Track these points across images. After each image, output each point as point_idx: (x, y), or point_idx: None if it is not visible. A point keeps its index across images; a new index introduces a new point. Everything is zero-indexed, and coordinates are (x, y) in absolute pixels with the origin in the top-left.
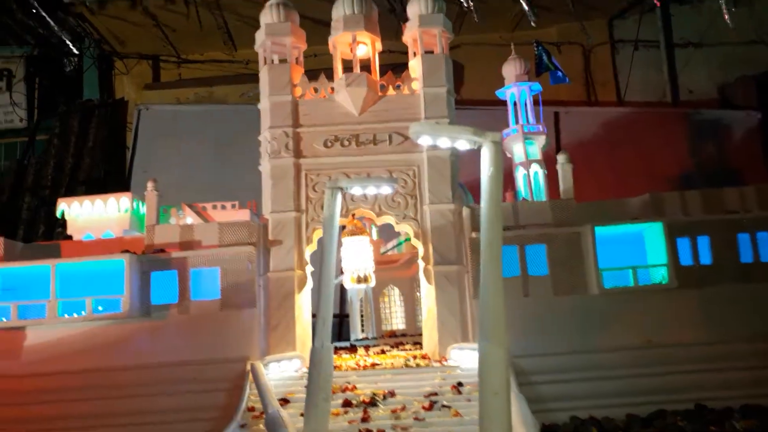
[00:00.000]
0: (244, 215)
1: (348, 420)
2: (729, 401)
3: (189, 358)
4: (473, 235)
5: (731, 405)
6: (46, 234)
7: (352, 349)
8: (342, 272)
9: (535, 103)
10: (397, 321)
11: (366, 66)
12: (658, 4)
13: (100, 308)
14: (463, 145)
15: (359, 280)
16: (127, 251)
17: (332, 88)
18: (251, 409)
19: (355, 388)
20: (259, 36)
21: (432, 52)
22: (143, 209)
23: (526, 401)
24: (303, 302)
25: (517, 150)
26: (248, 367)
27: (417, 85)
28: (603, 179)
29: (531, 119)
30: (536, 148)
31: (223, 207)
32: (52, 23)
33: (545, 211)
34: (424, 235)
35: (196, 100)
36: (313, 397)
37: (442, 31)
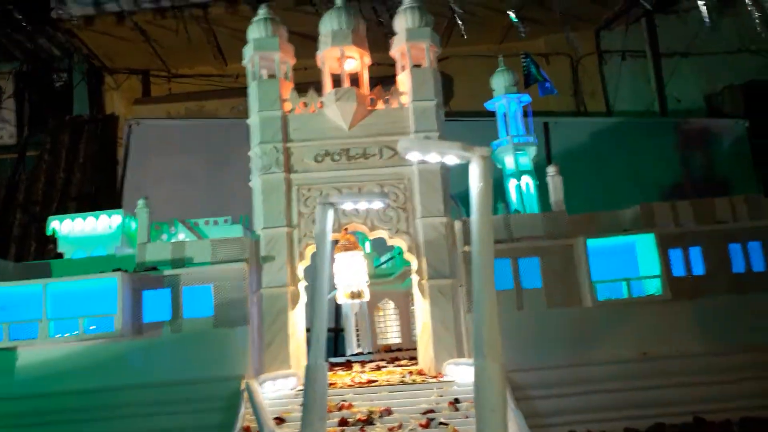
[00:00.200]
0: (236, 231)
1: None
2: (728, 414)
3: (182, 377)
4: (466, 248)
5: (730, 417)
6: (38, 251)
7: (348, 364)
8: (335, 287)
9: (525, 114)
10: (392, 335)
11: (355, 80)
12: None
13: (92, 327)
14: (452, 160)
15: (353, 296)
16: (119, 269)
17: (321, 103)
18: (247, 429)
19: (351, 406)
20: (247, 51)
21: (420, 66)
22: (135, 226)
23: (523, 416)
24: (297, 318)
25: (508, 161)
26: (243, 385)
27: (406, 99)
28: (593, 189)
29: (521, 130)
30: (527, 159)
31: (216, 222)
32: (40, 39)
33: (537, 224)
34: (417, 249)
35: (187, 115)
36: (309, 417)
37: (430, 44)
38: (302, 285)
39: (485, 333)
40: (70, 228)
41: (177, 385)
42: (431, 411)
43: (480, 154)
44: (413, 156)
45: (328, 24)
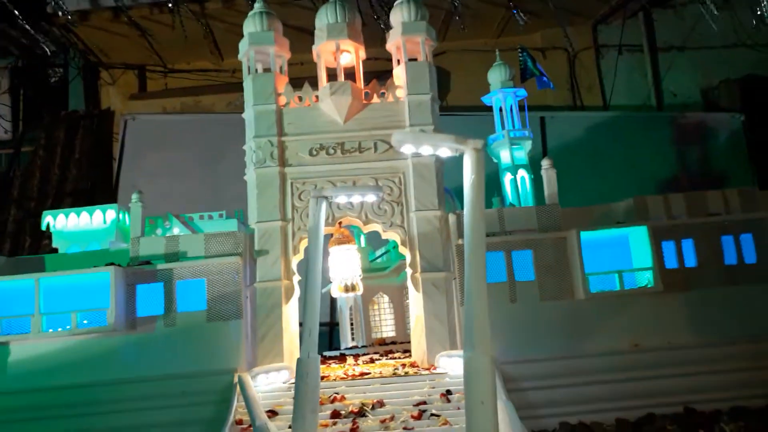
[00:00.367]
0: (231, 225)
1: (337, 431)
2: (717, 404)
3: (176, 371)
4: (460, 241)
5: (720, 407)
6: (32, 246)
7: (342, 358)
8: (330, 281)
9: (521, 108)
10: (386, 329)
11: (350, 74)
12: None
13: (85, 322)
14: (445, 152)
15: (347, 289)
16: (112, 264)
17: (317, 97)
18: (239, 422)
19: (343, 398)
20: (243, 45)
21: (416, 60)
22: (129, 221)
23: (515, 408)
24: (290, 312)
25: (504, 155)
26: (236, 379)
27: (401, 93)
28: (590, 183)
29: (517, 124)
30: (523, 154)
31: (210, 217)
32: (36, 34)
33: (531, 217)
34: (410, 243)
35: (183, 110)
36: (301, 409)
37: (426, 38)
38: (296, 279)
39: (475, 324)
40: (64, 223)
41: (170, 379)
42: (423, 403)
43: (473, 147)
44: (407, 149)
45: (324, 17)
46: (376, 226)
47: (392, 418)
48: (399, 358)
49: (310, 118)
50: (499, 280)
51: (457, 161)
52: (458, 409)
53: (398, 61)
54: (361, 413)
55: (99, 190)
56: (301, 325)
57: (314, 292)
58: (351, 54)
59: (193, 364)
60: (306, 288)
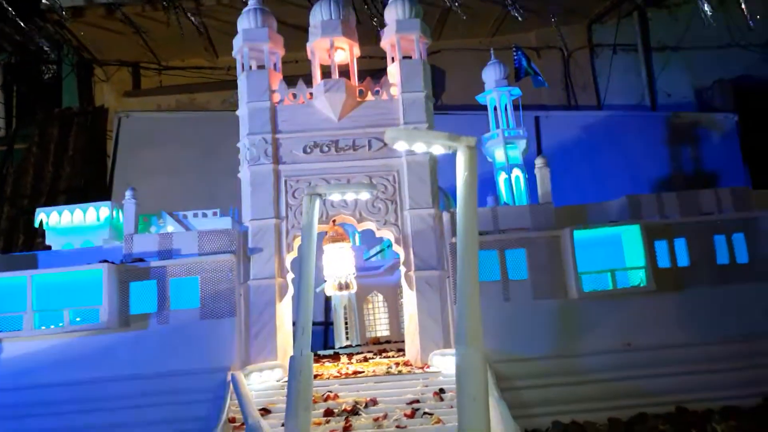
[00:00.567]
0: (225, 223)
1: (330, 429)
2: (709, 403)
3: (169, 369)
4: (453, 239)
5: (711, 407)
6: (26, 244)
7: (336, 356)
8: (324, 279)
9: (516, 107)
10: (381, 328)
11: (345, 72)
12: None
13: (78, 319)
14: (438, 150)
15: (341, 287)
16: (105, 261)
17: (311, 94)
18: (232, 420)
19: (337, 396)
20: (237, 42)
21: (410, 58)
22: (123, 218)
23: (508, 406)
24: (284, 311)
25: (498, 154)
26: (229, 377)
27: (396, 91)
28: (584, 182)
29: (512, 123)
30: (517, 153)
31: (204, 215)
32: (29, 30)
33: (524, 216)
34: (404, 241)
35: (178, 107)
36: (294, 407)
37: (420, 36)
38: (290, 277)
39: (467, 322)
40: (57, 220)
41: (163, 377)
42: (416, 401)
43: (466, 144)
44: (400, 145)
45: (318, 14)
46: (370, 224)
47: (385, 417)
48: (393, 356)
49: (305, 115)
50: (493, 279)
51: (451, 160)
52: (451, 407)
53: (393, 58)
54: (354, 412)
55: (93, 187)
56: (294, 324)
57: (308, 289)
58: (345, 51)
59: (187, 361)
60: (300, 286)
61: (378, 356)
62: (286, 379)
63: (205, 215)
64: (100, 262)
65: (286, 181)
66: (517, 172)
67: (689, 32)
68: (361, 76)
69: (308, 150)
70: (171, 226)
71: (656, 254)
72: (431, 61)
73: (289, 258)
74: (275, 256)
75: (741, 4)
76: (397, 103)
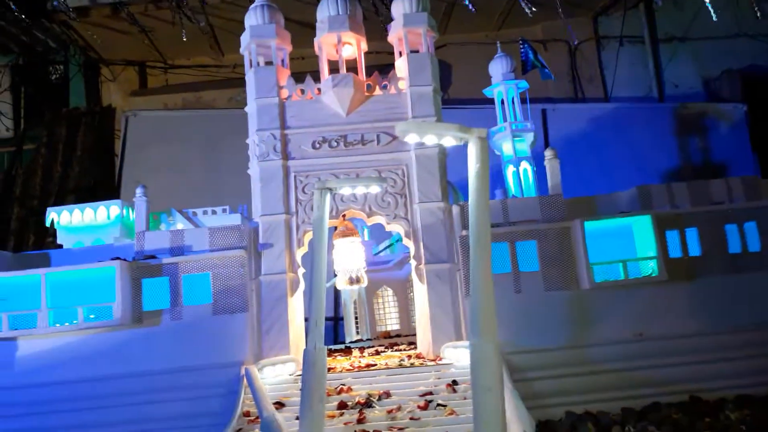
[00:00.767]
0: (234, 220)
1: (344, 422)
2: (723, 392)
3: (183, 365)
4: (463, 232)
5: (725, 396)
6: (36, 244)
7: (347, 350)
8: (335, 274)
9: (523, 100)
10: (391, 321)
11: (352, 67)
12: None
13: (92, 316)
14: (449, 141)
15: (351, 281)
16: (117, 258)
17: (319, 90)
18: (246, 414)
19: (350, 389)
20: (244, 39)
21: (418, 52)
22: (133, 216)
23: (521, 397)
24: (296, 305)
25: (506, 147)
26: (242, 371)
27: (403, 85)
28: (592, 175)
29: (519, 117)
30: (525, 146)
31: (214, 212)
32: (36, 31)
33: (534, 208)
34: (414, 234)
35: (184, 106)
36: (308, 400)
37: (427, 29)
38: (301, 272)
39: (481, 313)
40: (68, 219)
41: (177, 373)
42: (429, 393)
43: (477, 135)
44: (411, 138)
45: (326, 10)
46: (379, 219)
47: (399, 409)
48: (404, 350)
49: (313, 110)
50: (504, 271)
51: (459, 155)
52: (464, 399)
53: (400, 52)
54: (367, 404)
55: (101, 186)
56: (306, 320)
57: (320, 283)
58: (353, 46)
59: (200, 357)
60: (312, 280)
61: (389, 350)
62: (300, 372)
63: (214, 212)
64: (113, 259)
65: (295, 177)
66: (525, 165)
67: (696, 22)
68: (369, 71)
69: (317, 145)
70: (180, 224)
71: (667, 244)
72: (437, 55)
73: (299, 253)
74: (286, 251)
75: None
76: (405, 97)
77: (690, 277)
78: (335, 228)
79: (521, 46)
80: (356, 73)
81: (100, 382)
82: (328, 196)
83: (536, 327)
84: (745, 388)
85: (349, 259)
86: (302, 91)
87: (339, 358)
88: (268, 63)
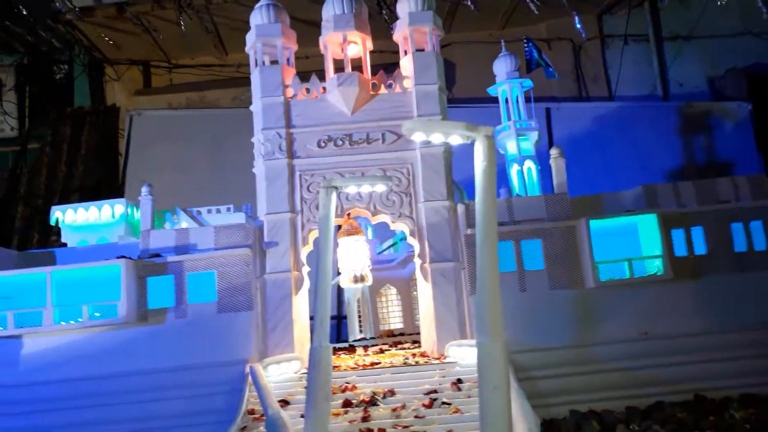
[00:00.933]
0: (239, 218)
1: (348, 420)
2: (727, 391)
3: (187, 363)
4: (468, 231)
5: (729, 395)
6: (41, 242)
7: (351, 349)
8: (339, 273)
9: (527, 99)
10: (394, 320)
11: (357, 66)
12: None
13: (97, 315)
14: (456, 140)
15: (356, 280)
16: (123, 257)
17: (324, 88)
18: (251, 412)
19: (354, 387)
20: (250, 38)
21: (423, 50)
22: (137, 215)
23: (526, 396)
24: (300, 303)
25: (510, 146)
26: (247, 369)
27: (409, 83)
28: (596, 174)
29: (523, 115)
30: (529, 144)
31: (218, 211)
32: (41, 31)
33: (540, 206)
34: (419, 233)
35: (188, 105)
36: (313, 398)
37: (433, 28)
38: (306, 270)
39: (488, 312)
40: (73, 218)
41: (182, 370)
42: (434, 391)
43: (484, 134)
44: (417, 136)
45: (331, 9)
46: (384, 217)
47: (403, 407)
48: (408, 348)
49: (318, 109)
50: (509, 270)
51: (464, 154)
52: (469, 397)
53: (405, 51)
54: (372, 402)
55: (105, 185)
56: (311, 319)
57: (325, 281)
58: (358, 45)
59: (205, 355)
60: (317, 278)
61: (393, 348)
62: (304, 371)
63: (218, 211)
64: (118, 257)
65: (300, 176)
66: (529, 164)
67: (701, 21)
68: (374, 70)
69: (322, 144)
70: (185, 222)
71: (673, 243)
72: (442, 54)
73: (304, 252)
74: (291, 249)
75: None
76: (411, 95)
77: (695, 275)
78: (339, 227)
79: (525, 45)
80: (361, 72)
81: (105, 379)
82: (334, 195)
83: (541, 326)
84: (750, 387)
85: (353, 257)
86: (307, 90)
87: (343, 356)
88: (274, 62)
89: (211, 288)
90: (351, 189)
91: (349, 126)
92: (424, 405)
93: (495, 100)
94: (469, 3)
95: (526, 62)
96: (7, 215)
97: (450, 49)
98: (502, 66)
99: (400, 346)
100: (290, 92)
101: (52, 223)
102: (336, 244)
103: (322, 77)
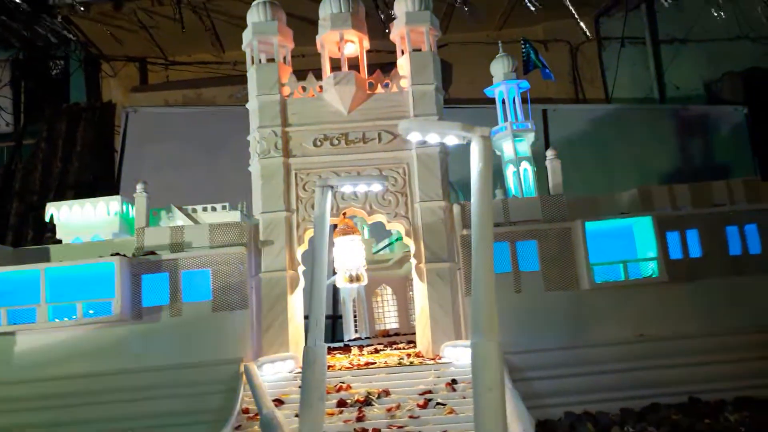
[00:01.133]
0: (234, 217)
1: (343, 420)
2: (722, 394)
3: (182, 361)
4: (464, 232)
5: (724, 397)
6: (35, 239)
7: (346, 348)
8: (334, 272)
9: (524, 100)
10: (390, 320)
11: (354, 65)
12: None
13: (91, 312)
14: (452, 140)
15: (351, 279)
16: (117, 254)
17: (321, 87)
18: (246, 411)
19: (349, 387)
20: (246, 35)
21: (420, 50)
22: (132, 212)
23: (521, 397)
24: (295, 303)
25: (507, 148)
26: (242, 368)
27: (405, 83)
28: (592, 176)
29: (520, 117)
30: (525, 146)
31: (213, 209)
32: (37, 26)
33: (535, 207)
34: (415, 233)
35: (185, 102)
36: (308, 397)
37: (430, 28)
38: (301, 269)
39: (483, 313)
40: (68, 214)
41: (176, 369)
42: (429, 392)
43: (480, 134)
44: (413, 136)
45: (328, 7)
46: (380, 217)
47: (398, 407)
48: (403, 348)
49: (314, 108)
50: (504, 271)
51: (460, 154)
52: (464, 398)
53: (402, 51)
54: (367, 402)
55: (101, 182)
56: (306, 318)
57: (320, 281)
58: (355, 44)
59: (199, 353)
60: (312, 277)
61: (388, 348)
62: (299, 370)
63: (214, 209)
64: (113, 255)
65: (296, 174)
66: (525, 165)
67: (698, 24)
68: (371, 69)
69: (318, 143)
70: (180, 220)
71: (668, 245)
72: (439, 54)
73: (299, 251)
74: (286, 248)
75: None
76: (407, 95)
77: (690, 278)
78: (335, 226)
79: (523, 46)
80: (358, 71)
81: (98, 377)
82: (329, 194)
83: (536, 327)
84: (745, 390)
85: (349, 257)
86: (304, 89)
87: (338, 356)
88: (270, 60)
89: (205, 286)
90: (346, 188)
91: (345, 125)
92: (418, 405)
93: (492, 101)
94: (465, 9)
95: (523, 63)
96: (1, 211)
97: (447, 49)
98: (499, 67)
99: (395, 346)
100: (286, 90)
101: (47, 220)
102: (331, 244)
103: (318, 75)
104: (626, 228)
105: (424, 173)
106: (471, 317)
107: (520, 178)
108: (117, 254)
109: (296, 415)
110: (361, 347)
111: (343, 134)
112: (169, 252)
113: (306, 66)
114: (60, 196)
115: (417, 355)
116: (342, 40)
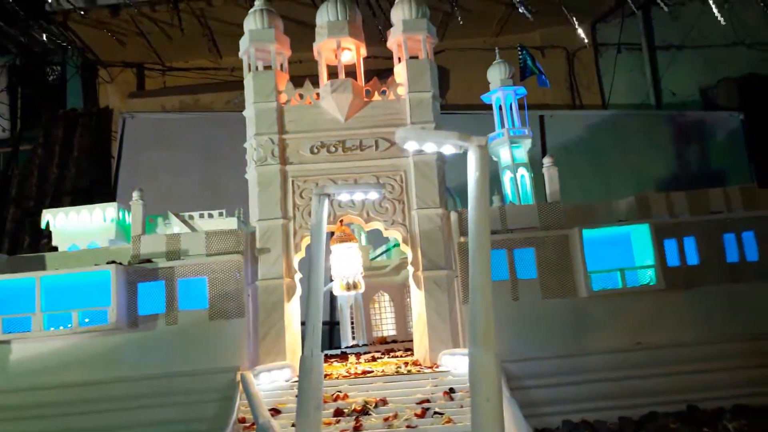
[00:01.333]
0: (231, 224)
1: (340, 429)
2: (720, 402)
3: (178, 370)
4: (461, 239)
5: (722, 405)
6: (31, 246)
7: (343, 356)
8: (332, 279)
9: (521, 107)
10: (387, 327)
11: (351, 72)
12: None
13: (86, 320)
14: (448, 149)
15: (349, 287)
16: (113, 262)
17: (318, 95)
18: (242, 420)
19: (346, 396)
20: (243, 43)
21: (417, 58)
22: (129, 219)
23: (519, 406)
24: (292, 311)
25: (504, 154)
26: (238, 377)
27: (402, 91)
28: (589, 182)
29: (517, 123)
30: (522, 152)
31: (210, 216)
32: (34, 32)
33: (533, 215)
34: (412, 241)
35: (182, 108)
36: (304, 407)
37: (427, 36)
38: (298, 277)
39: (480, 322)
40: (64, 221)
41: (172, 378)
42: (426, 401)
43: (477, 143)
44: (410, 145)
45: (325, 15)
46: (377, 224)
47: (395, 416)
48: (401, 356)
49: (311, 115)
50: (501, 278)
51: (457, 161)
52: (461, 407)
53: (399, 58)
54: (364, 411)
55: (98, 188)
56: (303, 324)
57: (317, 289)
58: (352, 52)
59: (195, 362)
60: (309, 285)
61: (386, 356)
62: (296, 379)
63: (211, 216)
64: (108, 263)
65: (293, 182)
66: (522, 172)
67: (694, 31)
68: (368, 77)
69: (315, 150)
70: (177, 227)
71: (666, 253)
72: (435, 61)
73: (296, 258)
74: (283, 256)
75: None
76: (404, 103)
77: (688, 286)
78: (332, 233)
79: (519, 53)
80: (355, 79)
81: (94, 386)
82: (326, 202)
83: (533, 335)
84: (743, 398)
85: (346, 264)
86: (301, 96)
87: (335, 363)
88: (267, 67)
89: (202, 294)
90: (343, 196)
91: (342, 132)
92: (416, 415)
93: (489, 107)
94: (457, 10)
95: (520, 70)
96: None
97: (444, 55)
98: (496, 73)
99: (392, 353)
100: (283, 98)
101: (43, 226)
102: (328, 251)
103: (315, 82)
104: (624, 235)
105: (421, 181)
106: (468, 326)
107: (517, 184)
108: (113, 262)
109: (293, 425)
110: (358, 355)
111: (340, 142)
112: (165, 260)
113: (303, 72)
114: (57, 202)
115: (414, 364)
116: (339, 48)
